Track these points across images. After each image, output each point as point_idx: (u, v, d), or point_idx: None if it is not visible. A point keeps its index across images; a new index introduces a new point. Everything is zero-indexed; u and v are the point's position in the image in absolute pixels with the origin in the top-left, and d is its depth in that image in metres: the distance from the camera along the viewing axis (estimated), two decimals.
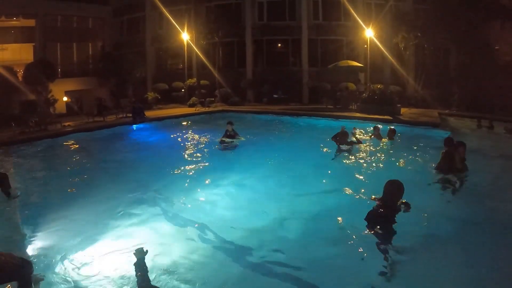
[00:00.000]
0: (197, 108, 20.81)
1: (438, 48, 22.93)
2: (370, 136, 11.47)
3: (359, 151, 10.02)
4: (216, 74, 23.97)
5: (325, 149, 10.06)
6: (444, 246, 4.79)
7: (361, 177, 7.86)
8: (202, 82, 24.80)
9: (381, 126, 12.06)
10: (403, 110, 18.24)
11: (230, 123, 11.34)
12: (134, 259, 3.55)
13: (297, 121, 17.30)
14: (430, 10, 23.57)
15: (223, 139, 11.16)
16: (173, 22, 24.02)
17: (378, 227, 4.30)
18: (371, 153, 10.01)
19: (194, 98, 22.26)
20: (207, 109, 20.49)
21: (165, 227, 5.46)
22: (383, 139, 11.15)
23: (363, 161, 9.26)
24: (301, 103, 23.05)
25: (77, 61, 27.20)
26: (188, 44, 23.61)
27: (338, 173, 8.12)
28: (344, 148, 9.48)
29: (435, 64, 22.89)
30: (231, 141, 11.08)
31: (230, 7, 26.39)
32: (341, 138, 9.44)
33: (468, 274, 4.10)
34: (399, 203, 4.35)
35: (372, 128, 11.75)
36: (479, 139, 12.72)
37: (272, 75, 23.93)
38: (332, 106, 19.22)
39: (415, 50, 22.98)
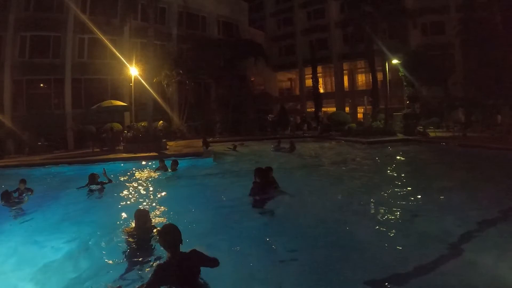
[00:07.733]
0: None
1: (199, 83, 25.75)
2: (156, 170, 12.58)
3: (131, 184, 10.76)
4: None
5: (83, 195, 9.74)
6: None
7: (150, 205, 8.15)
8: None
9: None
10: (169, 144, 19.38)
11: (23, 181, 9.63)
12: None
13: (61, 170, 15.74)
14: (192, 49, 26.33)
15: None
16: None
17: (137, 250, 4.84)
18: (158, 184, 11.03)
19: None
20: None
21: None
22: (169, 170, 12.22)
23: (146, 192, 9.94)
24: (66, 149, 21.41)
25: None
26: None
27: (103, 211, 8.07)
28: (94, 188, 9.67)
29: (197, 98, 25.63)
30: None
31: None
32: (91, 180, 9.71)
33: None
34: (153, 228, 5.07)
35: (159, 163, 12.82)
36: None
37: (34, 120, 21.48)
38: (99, 149, 18.62)
39: (178, 87, 25.07)
